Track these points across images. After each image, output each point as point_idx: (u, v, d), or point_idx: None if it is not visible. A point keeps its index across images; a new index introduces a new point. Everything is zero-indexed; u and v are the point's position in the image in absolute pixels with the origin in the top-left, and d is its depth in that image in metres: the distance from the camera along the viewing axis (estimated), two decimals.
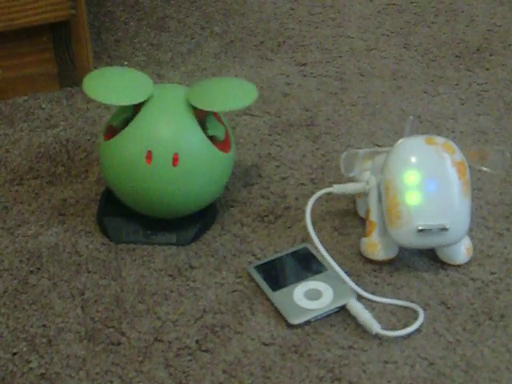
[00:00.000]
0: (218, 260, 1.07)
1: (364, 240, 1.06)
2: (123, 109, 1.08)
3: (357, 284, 1.02)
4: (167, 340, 0.97)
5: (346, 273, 1.03)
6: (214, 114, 1.09)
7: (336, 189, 1.08)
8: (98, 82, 1.07)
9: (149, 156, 1.03)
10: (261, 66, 1.47)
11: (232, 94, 1.08)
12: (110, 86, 1.07)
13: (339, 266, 1.03)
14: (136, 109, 1.06)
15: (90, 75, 1.08)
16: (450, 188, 1.00)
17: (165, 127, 1.04)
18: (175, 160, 1.03)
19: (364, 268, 1.06)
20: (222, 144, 1.09)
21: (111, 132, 1.08)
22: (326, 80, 1.43)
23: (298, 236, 1.11)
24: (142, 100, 1.05)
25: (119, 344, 0.97)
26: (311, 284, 1.02)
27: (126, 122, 1.06)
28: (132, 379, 0.93)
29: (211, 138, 1.07)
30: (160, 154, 1.03)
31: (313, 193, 1.13)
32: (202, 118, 1.06)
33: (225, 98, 1.07)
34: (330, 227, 1.12)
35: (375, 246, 1.05)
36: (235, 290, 1.03)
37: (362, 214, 1.12)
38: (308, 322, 0.98)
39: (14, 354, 0.96)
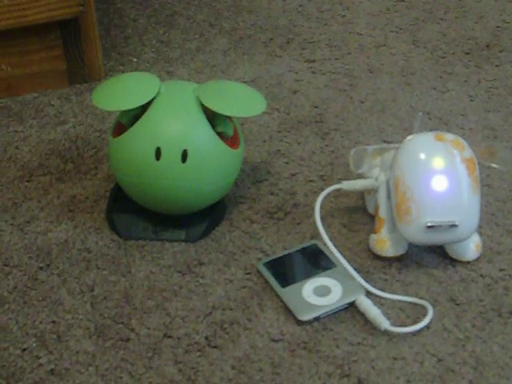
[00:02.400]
0: (227, 256, 1.07)
1: (373, 236, 1.06)
2: None
3: (366, 280, 1.02)
4: (176, 336, 0.97)
5: (354, 269, 1.02)
6: None
7: (345, 185, 1.08)
8: (104, 91, 1.09)
9: (158, 152, 1.04)
10: (270, 62, 1.47)
11: (245, 100, 1.09)
12: (116, 92, 1.07)
13: (348, 262, 1.03)
14: (145, 105, 1.06)
15: (98, 87, 1.10)
16: (459, 185, 1.00)
17: (173, 124, 1.04)
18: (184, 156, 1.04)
19: (373, 264, 1.05)
20: (230, 140, 1.09)
21: (120, 129, 1.08)
22: (334, 77, 1.42)
23: (307, 232, 1.11)
24: (146, 100, 1.05)
25: (128, 340, 0.97)
26: (320, 280, 1.02)
27: (135, 119, 1.07)
28: (141, 375, 0.93)
29: (220, 135, 1.07)
30: (169, 150, 1.03)
31: (322, 189, 1.13)
32: (211, 114, 1.06)
33: (238, 103, 1.08)
34: (339, 224, 1.12)
35: (384, 243, 1.04)
36: (244, 287, 1.03)
37: (370, 210, 1.12)
38: (317, 319, 0.98)
39: (24, 349, 0.96)
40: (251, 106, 1.09)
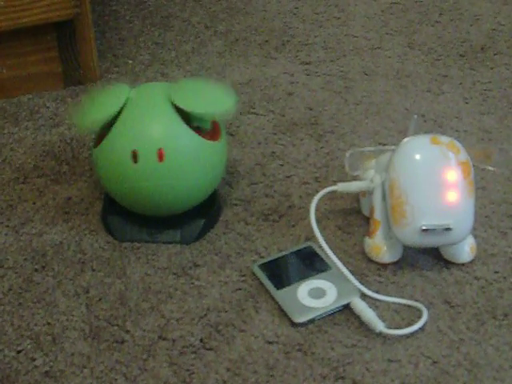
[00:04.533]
0: (222, 258, 1.07)
1: (368, 241, 1.06)
2: None
3: (361, 282, 1.02)
4: (171, 338, 0.97)
5: (349, 271, 1.03)
6: None
7: (340, 187, 1.08)
8: (80, 113, 1.10)
9: (135, 155, 1.04)
10: (265, 64, 1.47)
11: (213, 98, 1.09)
12: (89, 111, 1.09)
13: (343, 264, 1.03)
14: (119, 113, 1.06)
15: (77, 112, 1.12)
16: (454, 188, 1.00)
17: (145, 125, 1.04)
18: (161, 155, 1.03)
19: (368, 267, 1.06)
20: (210, 133, 1.08)
21: (101, 139, 1.09)
22: (330, 79, 1.43)
23: (302, 234, 1.11)
24: (115, 110, 1.05)
25: (123, 342, 0.97)
26: (315, 282, 1.02)
27: (111, 127, 1.07)
28: (136, 377, 0.93)
29: (197, 129, 1.07)
30: (145, 151, 1.03)
31: (317, 191, 1.13)
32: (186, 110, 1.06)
33: (206, 101, 1.08)
34: (334, 226, 1.12)
35: (380, 249, 1.05)
36: (239, 289, 1.03)
37: (366, 212, 1.12)
38: (312, 321, 0.99)
39: (19, 351, 0.96)
40: (219, 103, 1.08)
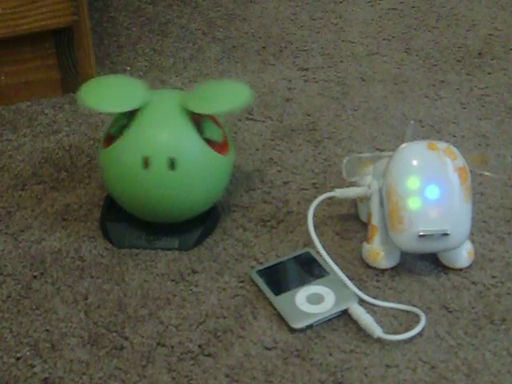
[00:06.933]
0: (220, 265, 1.08)
1: (366, 247, 1.06)
2: (119, 116, 1.08)
3: (359, 288, 1.03)
4: (170, 344, 0.97)
5: (347, 277, 1.03)
6: (211, 116, 1.10)
7: (338, 193, 1.09)
8: (93, 90, 1.08)
9: (146, 162, 1.04)
10: (263, 71, 1.47)
11: (225, 96, 1.09)
12: (105, 94, 1.08)
13: (341, 270, 1.03)
14: (132, 115, 1.06)
15: (87, 84, 1.09)
16: (451, 193, 1.01)
17: (159, 132, 1.05)
18: (172, 164, 1.04)
19: (366, 272, 1.06)
20: (219, 146, 1.09)
21: (110, 140, 1.09)
22: (327, 85, 1.43)
23: (300, 240, 1.11)
24: (133, 107, 1.06)
25: (122, 348, 0.97)
26: (313, 288, 1.02)
27: (123, 130, 1.07)
28: (135, 383, 0.93)
29: (208, 141, 1.07)
30: (156, 159, 1.04)
31: (315, 197, 1.13)
32: (199, 121, 1.07)
33: (218, 100, 1.08)
34: (332, 231, 1.12)
35: (377, 255, 1.05)
36: (237, 295, 1.03)
37: (363, 218, 1.12)
38: (310, 326, 0.99)
39: (18, 358, 0.96)
40: (232, 100, 1.08)
